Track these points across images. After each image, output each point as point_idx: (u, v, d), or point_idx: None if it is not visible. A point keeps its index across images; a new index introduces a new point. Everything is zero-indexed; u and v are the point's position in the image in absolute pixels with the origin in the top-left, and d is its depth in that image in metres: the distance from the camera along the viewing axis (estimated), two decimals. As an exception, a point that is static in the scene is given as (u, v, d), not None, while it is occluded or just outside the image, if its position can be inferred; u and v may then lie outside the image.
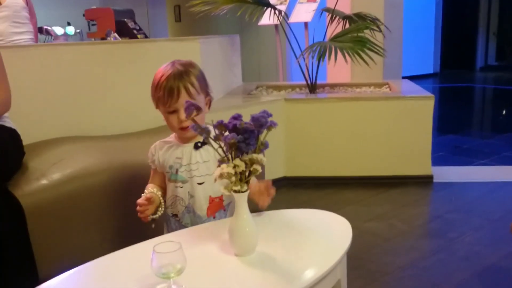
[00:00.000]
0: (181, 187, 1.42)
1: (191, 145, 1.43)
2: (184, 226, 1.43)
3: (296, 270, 1.09)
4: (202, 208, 1.41)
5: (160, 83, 1.37)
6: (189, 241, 1.20)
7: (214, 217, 1.42)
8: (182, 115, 1.36)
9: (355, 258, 2.11)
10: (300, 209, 1.42)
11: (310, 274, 1.06)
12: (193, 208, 1.42)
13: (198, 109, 1.10)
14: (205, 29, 6.85)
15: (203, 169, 1.41)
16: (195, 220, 1.42)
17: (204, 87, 1.42)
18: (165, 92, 1.36)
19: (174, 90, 1.36)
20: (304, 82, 3.71)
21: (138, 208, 1.36)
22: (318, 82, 3.65)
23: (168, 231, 1.46)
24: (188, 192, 1.42)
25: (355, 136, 3.13)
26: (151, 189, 1.44)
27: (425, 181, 3.11)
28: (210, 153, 1.41)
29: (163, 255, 0.97)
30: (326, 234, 1.28)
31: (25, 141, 1.94)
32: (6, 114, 1.89)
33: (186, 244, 1.18)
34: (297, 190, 3.10)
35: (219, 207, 1.43)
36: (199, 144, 1.42)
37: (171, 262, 0.98)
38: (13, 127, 1.87)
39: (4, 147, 1.67)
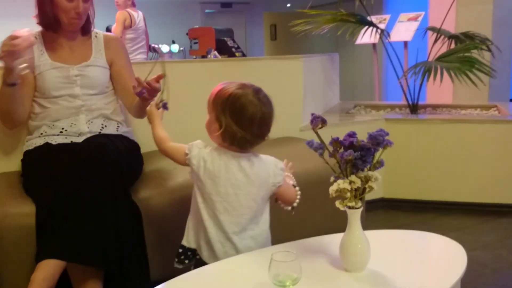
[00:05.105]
0: None
1: None
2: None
3: (409, 291, 1.07)
4: None
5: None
6: (299, 253, 1.22)
7: None
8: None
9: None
10: (413, 230, 1.39)
11: (425, 296, 1.04)
12: None
13: (323, 122, 1.13)
14: (300, 47, 6.94)
15: None
16: None
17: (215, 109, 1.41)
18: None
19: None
20: (403, 102, 3.63)
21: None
22: (419, 102, 3.54)
23: None
24: None
25: (459, 159, 2.99)
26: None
27: (538, 211, 2.89)
28: None
29: (281, 263, 1.01)
30: (439, 258, 1.25)
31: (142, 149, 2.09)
32: (130, 128, 2.07)
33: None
34: (395, 213, 3.02)
35: None
36: None
37: (287, 271, 1.01)
38: (135, 140, 2.05)
39: (130, 157, 1.83)
